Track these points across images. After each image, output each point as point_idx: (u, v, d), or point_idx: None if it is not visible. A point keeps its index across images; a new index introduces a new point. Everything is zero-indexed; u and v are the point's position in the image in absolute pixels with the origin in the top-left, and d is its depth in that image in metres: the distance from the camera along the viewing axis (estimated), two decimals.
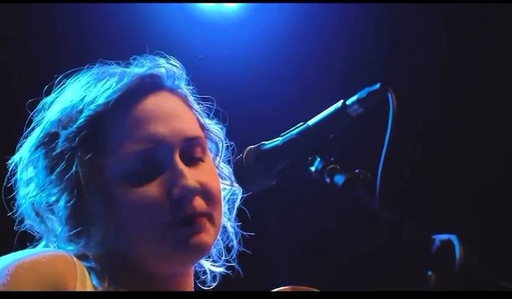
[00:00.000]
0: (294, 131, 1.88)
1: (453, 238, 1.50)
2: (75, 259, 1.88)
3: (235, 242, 2.13)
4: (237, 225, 2.14)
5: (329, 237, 4.31)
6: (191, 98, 2.07)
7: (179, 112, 2.01)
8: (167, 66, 2.03)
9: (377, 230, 1.64)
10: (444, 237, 1.52)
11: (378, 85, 1.76)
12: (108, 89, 1.95)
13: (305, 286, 2.01)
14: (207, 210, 1.95)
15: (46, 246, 2.01)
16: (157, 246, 1.93)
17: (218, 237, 2.04)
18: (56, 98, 2.03)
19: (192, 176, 1.94)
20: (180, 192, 1.91)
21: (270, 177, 1.94)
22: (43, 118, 2.02)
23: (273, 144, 1.91)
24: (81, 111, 1.95)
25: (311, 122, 1.86)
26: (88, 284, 1.88)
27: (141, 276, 1.97)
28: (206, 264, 2.13)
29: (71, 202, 1.93)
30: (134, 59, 2.05)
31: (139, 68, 2.02)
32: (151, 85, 1.99)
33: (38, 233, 2.04)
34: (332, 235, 4.30)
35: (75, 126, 1.93)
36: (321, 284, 2.02)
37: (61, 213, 1.94)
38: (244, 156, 1.95)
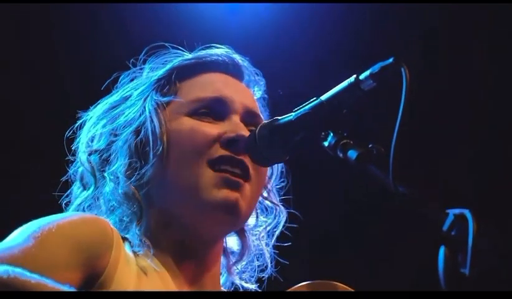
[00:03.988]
0: (308, 106, 1.88)
1: (467, 212, 1.49)
2: (112, 226, 1.89)
3: (269, 264, 2.22)
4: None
5: (343, 214, 4.31)
6: (261, 101, 2.23)
7: (248, 93, 2.18)
8: (248, 67, 2.21)
9: (390, 204, 1.63)
10: (457, 211, 1.51)
11: (391, 60, 1.75)
12: (190, 55, 2.19)
13: (323, 280, 2.00)
14: (248, 174, 2.03)
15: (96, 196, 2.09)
16: (196, 183, 1.99)
17: (253, 255, 2.19)
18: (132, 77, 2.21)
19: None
20: (234, 135, 2.03)
21: (283, 152, 1.94)
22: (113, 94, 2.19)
23: (287, 119, 1.91)
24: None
25: (324, 97, 1.86)
26: (122, 251, 1.89)
27: (175, 236, 2.02)
28: (239, 281, 2.21)
29: (136, 139, 2.06)
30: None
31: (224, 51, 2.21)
32: (231, 67, 2.17)
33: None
34: (344, 210, 4.30)
35: (154, 76, 2.13)
36: (334, 258, 2.01)
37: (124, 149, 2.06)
38: (257, 131, 1.95)
